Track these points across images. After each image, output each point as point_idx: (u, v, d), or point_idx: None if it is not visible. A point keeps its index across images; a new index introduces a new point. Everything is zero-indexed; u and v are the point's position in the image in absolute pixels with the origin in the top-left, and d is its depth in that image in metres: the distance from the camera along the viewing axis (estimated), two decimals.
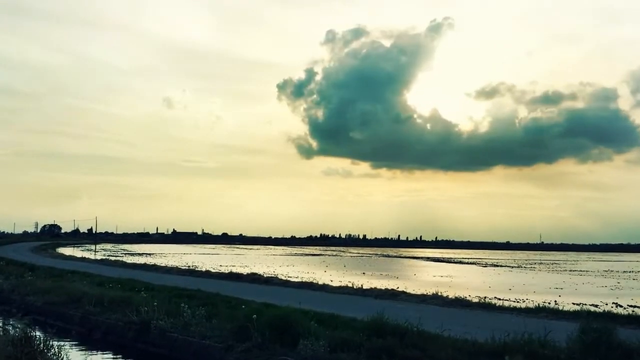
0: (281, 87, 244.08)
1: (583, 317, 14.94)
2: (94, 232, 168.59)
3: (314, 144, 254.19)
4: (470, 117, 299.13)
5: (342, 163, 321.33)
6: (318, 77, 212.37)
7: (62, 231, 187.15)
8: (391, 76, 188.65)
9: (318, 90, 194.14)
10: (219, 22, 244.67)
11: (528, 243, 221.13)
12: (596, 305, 24.85)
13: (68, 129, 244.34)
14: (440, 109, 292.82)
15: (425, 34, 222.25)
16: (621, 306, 26.08)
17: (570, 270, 65.23)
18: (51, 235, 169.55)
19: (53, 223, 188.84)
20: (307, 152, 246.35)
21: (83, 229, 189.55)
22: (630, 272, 63.95)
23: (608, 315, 16.27)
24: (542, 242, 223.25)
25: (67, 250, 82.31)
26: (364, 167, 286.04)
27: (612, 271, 64.86)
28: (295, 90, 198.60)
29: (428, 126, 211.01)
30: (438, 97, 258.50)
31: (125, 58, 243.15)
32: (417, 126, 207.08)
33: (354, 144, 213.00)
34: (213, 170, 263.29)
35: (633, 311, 20.43)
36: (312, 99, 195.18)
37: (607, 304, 26.52)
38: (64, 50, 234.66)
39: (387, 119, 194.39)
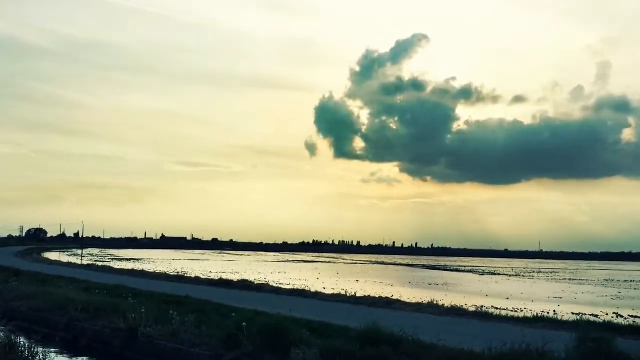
0: None
1: (582, 327, 14.60)
2: (80, 236, 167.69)
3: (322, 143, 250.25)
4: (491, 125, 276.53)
5: (348, 165, 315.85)
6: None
7: (48, 235, 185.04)
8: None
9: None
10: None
11: (527, 251, 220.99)
12: (596, 315, 24.56)
13: (55, 125, 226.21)
14: (469, 115, 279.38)
15: None
16: (622, 316, 25.80)
17: (570, 279, 65.05)
18: (37, 239, 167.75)
19: (39, 227, 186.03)
20: (313, 152, 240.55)
21: (69, 233, 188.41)
22: (631, 281, 63.73)
23: (608, 326, 15.93)
24: (542, 250, 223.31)
25: (53, 255, 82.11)
26: (371, 171, 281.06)
27: (612, 280, 64.64)
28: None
29: (456, 134, 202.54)
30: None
31: (123, 41, 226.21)
32: (441, 133, 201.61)
33: (369, 147, 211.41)
34: (210, 172, 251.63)
35: (634, 321, 20.16)
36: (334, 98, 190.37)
37: (607, 314, 26.23)
38: (49, 33, 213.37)
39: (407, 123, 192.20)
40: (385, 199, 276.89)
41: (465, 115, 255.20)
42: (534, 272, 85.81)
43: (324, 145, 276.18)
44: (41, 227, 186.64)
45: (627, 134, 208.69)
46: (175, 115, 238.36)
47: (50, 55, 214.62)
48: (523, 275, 73.06)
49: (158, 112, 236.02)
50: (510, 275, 72.24)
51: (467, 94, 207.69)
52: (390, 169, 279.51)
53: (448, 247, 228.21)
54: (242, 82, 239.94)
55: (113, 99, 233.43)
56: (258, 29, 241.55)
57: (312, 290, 29.12)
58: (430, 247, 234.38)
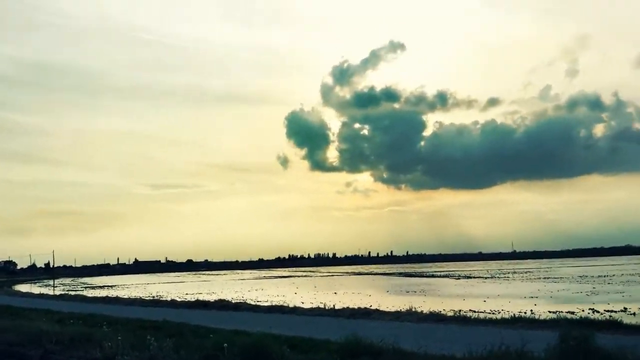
0: None
1: (560, 325, 14.73)
2: (51, 266, 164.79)
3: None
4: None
5: (323, 177, 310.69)
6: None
7: (18, 267, 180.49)
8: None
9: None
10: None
11: (500, 252, 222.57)
12: (573, 312, 24.70)
13: (18, 153, 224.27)
14: (443, 121, 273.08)
15: None
16: (598, 312, 26.06)
17: (545, 278, 65.56)
18: (6, 272, 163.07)
19: (8, 259, 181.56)
20: (287, 166, 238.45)
21: (40, 264, 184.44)
22: (605, 276, 64.29)
23: (585, 322, 16.06)
24: (515, 251, 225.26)
25: (24, 287, 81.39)
26: (346, 181, 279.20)
27: (586, 276, 65.18)
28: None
29: (430, 140, 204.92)
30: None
31: (84, 62, 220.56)
32: (415, 140, 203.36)
33: (343, 157, 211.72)
34: (181, 193, 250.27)
35: (610, 316, 20.36)
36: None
37: (583, 310, 26.44)
38: (3, 57, 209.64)
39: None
40: (360, 209, 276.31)
41: (439, 121, 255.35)
42: (508, 273, 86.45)
43: (299, 158, 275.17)
44: (10, 259, 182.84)
45: (601, 131, 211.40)
46: (143, 135, 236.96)
47: (7, 81, 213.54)
48: (498, 277, 73.54)
49: (125, 133, 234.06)
50: (485, 278, 72.69)
51: (440, 101, 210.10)
52: (365, 178, 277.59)
53: (423, 253, 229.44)
54: (211, 98, 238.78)
55: (76, 123, 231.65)
56: (227, 43, 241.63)
57: (291, 305, 28.88)
58: (405, 254, 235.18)
